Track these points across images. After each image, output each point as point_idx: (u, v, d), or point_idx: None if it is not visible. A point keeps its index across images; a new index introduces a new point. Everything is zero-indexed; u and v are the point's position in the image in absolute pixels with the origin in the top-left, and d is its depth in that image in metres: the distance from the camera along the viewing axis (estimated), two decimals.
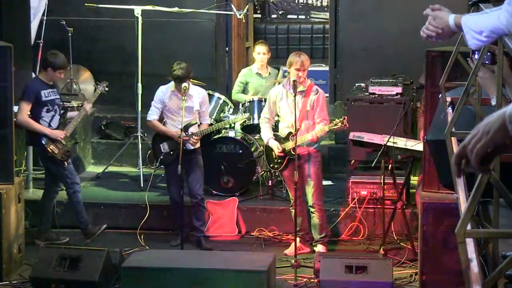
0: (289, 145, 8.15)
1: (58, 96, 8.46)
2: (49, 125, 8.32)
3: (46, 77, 8.35)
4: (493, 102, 3.93)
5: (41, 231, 8.53)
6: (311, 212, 8.28)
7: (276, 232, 8.85)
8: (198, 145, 8.55)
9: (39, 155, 8.53)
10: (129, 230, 8.78)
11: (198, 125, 8.55)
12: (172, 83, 8.45)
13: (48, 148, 8.22)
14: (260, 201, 9.25)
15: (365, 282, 6.96)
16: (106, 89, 8.92)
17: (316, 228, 8.32)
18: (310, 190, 8.23)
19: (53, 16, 10.98)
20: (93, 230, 8.47)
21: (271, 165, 8.51)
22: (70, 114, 8.70)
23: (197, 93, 8.53)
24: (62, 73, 8.50)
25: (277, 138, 8.31)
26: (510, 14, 3.13)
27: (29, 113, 8.26)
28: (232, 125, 9.38)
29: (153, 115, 8.56)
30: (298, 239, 7.94)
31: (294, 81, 7.92)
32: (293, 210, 8.02)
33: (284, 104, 8.20)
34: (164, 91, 8.51)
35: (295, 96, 7.85)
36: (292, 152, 8.02)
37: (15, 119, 7.95)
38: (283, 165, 8.31)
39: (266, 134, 8.38)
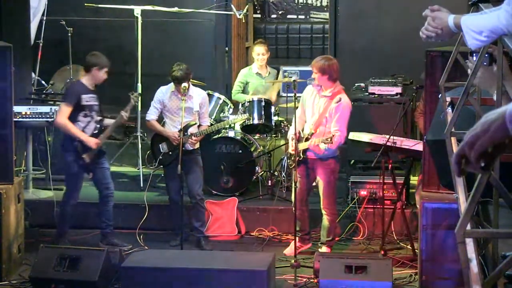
0: (301, 146, 8.10)
1: (97, 103, 8.27)
2: (83, 130, 8.17)
3: (90, 80, 8.21)
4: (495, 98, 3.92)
5: (103, 234, 8.41)
6: (323, 214, 8.22)
7: (276, 232, 8.85)
8: (197, 145, 8.55)
9: (68, 160, 8.22)
10: (129, 230, 8.77)
11: (198, 126, 8.55)
12: (172, 83, 8.45)
13: (82, 156, 8.12)
14: (259, 201, 9.25)
15: (365, 282, 6.96)
16: (138, 98, 8.88)
17: (324, 229, 8.25)
18: (321, 195, 8.18)
19: (53, 16, 10.98)
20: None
21: (288, 162, 8.60)
22: (106, 121, 8.52)
23: (197, 94, 8.52)
24: (106, 73, 8.26)
25: (299, 136, 8.21)
26: (510, 14, 3.13)
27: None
28: (232, 125, 9.38)
29: (151, 115, 8.56)
30: (297, 239, 7.93)
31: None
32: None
33: (310, 104, 8.15)
34: (164, 92, 8.51)
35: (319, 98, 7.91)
36: (301, 155, 8.02)
37: (53, 120, 7.72)
38: (295, 164, 8.24)
39: (290, 130, 8.35)
